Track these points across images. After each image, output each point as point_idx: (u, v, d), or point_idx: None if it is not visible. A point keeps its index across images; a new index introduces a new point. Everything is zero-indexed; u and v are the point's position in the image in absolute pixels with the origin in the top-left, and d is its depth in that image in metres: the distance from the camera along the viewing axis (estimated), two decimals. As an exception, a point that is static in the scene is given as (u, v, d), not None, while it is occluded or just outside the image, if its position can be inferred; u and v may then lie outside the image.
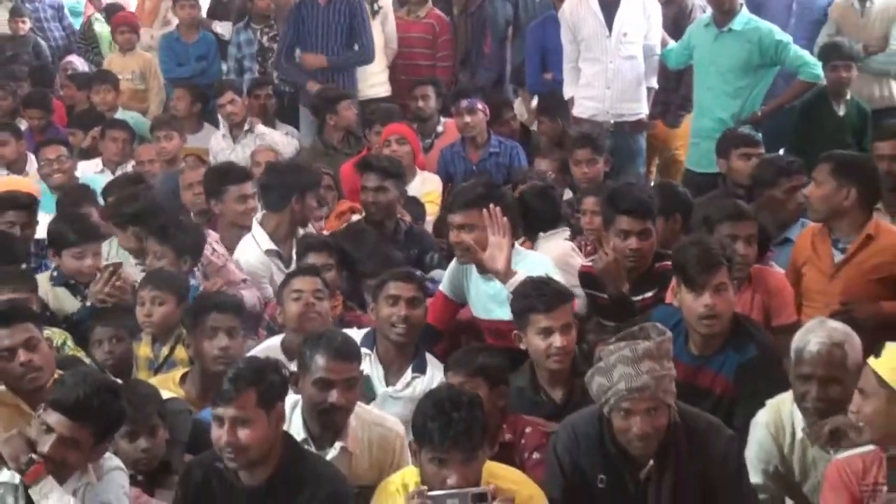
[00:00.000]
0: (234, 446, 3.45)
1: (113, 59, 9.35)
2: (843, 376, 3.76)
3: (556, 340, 4.21)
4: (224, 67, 8.81)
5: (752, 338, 4.31)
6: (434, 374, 4.50)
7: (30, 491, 3.42)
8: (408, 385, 4.49)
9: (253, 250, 5.63)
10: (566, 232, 5.68)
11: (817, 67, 6.91)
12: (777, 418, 3.94)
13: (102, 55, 9.99)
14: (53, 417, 3.45)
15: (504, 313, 4.58)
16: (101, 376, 3.75)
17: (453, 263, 5.03)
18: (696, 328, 4.31)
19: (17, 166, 7.37)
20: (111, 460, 3.65)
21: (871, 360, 3.49)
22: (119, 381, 4.02)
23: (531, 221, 5.51)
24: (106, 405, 3.52)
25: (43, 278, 5.33)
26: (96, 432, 3.51)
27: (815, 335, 3.81)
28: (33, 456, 3.42)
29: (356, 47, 7.79)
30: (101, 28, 10.23)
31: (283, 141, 7.55)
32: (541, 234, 5.55)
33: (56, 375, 4.04)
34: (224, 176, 5.97)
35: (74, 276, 5.25)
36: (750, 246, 4.86)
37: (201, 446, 3.83)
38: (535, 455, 4.01)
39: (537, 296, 4.28)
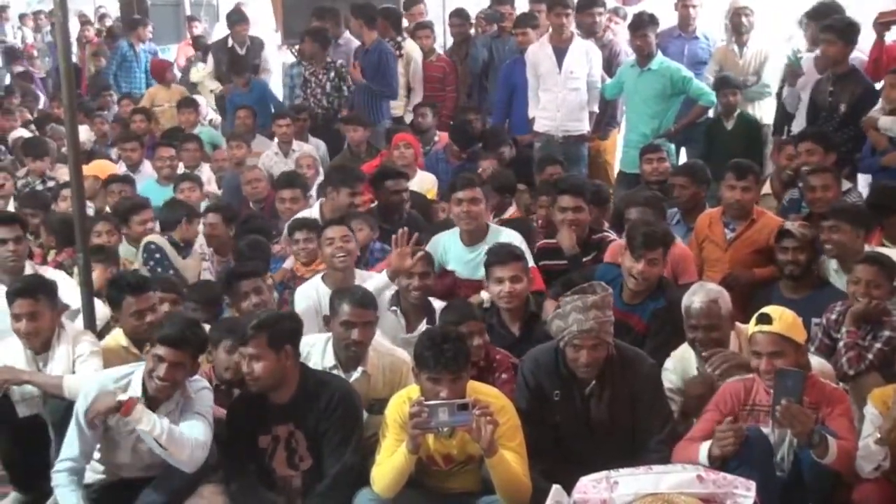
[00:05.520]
0: (250, 376, 3.45)
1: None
2: (720, 322, 3.77)
3: (506, 287, 4.19)
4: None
5: (664, 293, 4.26)
6: None
7: (127, 419, 3.38)
8: None
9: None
10: None
11: (712, 96, 6.79)
12: (677, 364, 3.86)
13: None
14: (162, 350, 3.42)
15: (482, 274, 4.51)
16: (187, 316, 3.76)
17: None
18: (627, 282, 4.28)
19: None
20: (201, 382, 3.63)
21: (768, 328, 3.34)
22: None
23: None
24: (195, 334, 3.53)
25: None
26: (192, 354, 3.51)
27: (697, 296, 3.82)
28: (121, 398, 3.38)
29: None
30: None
31: (311, 151, 7.44)
32: None
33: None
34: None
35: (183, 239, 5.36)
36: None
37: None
38: (504, 375, 3.95)
39: (495, 254, 4.30)
